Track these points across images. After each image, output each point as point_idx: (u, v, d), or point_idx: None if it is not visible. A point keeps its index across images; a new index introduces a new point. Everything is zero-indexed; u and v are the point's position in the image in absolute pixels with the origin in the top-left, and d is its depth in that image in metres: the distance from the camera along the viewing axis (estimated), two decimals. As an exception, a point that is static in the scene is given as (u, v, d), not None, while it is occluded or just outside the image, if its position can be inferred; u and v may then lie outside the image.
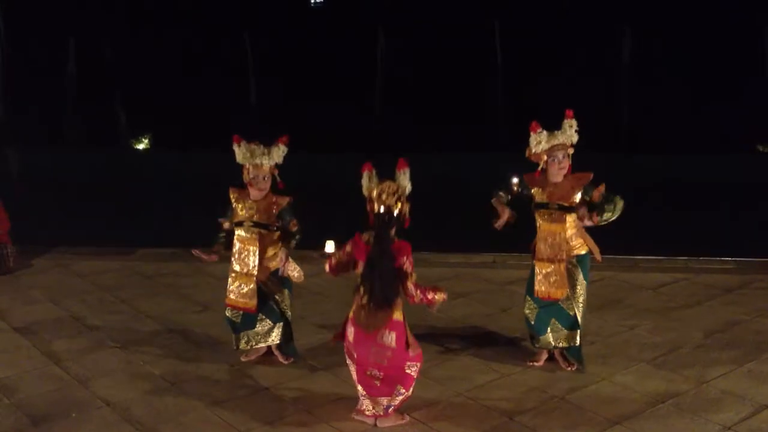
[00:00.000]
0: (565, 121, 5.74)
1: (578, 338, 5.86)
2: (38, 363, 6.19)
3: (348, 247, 5.10)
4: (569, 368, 5.93)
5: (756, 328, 6.64)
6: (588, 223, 5.69)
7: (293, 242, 5.91)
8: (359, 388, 5.19)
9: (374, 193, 4.97)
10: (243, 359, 6.15)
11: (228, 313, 6.03)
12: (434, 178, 9.32)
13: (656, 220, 10.48)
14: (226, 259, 6.06)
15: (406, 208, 5.02)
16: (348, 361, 5.21)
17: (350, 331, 5.08)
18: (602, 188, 5.71)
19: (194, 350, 6.39)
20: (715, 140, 14.11)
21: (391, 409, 5.18)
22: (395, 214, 4.94)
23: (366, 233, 5.04)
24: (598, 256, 5.90)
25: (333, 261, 5.20)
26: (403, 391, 5.14)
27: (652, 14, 18.75)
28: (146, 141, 17.30)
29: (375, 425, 5.20)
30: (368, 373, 5.09)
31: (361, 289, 4.96)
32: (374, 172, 5.05)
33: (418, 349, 5.18)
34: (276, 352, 6.16)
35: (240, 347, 6.10)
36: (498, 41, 18.61)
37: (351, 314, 5.09)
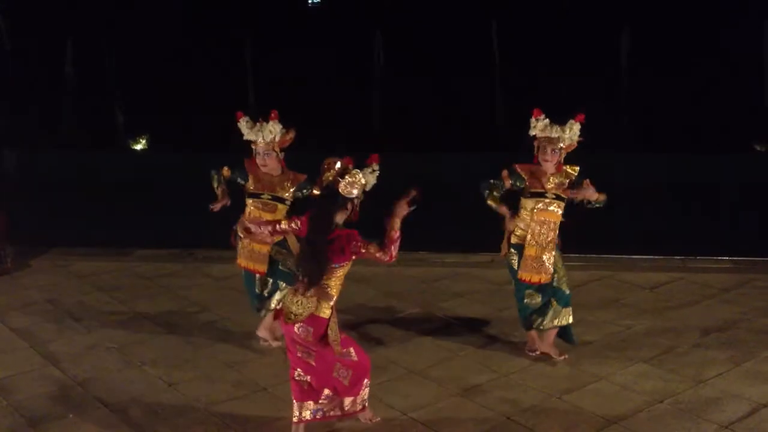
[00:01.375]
0: (571, 121, 5.85)
1: (571, 316, 6.05)
2: (36, 364, 6.19)
3: (295, 221, 4.96)
4: (562, 357, 6.04)
5: (753, 327, 6.64)
6: (590, 196, 5.80)
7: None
8: (293, 391, 5.04)
9: (325, 167, 4.86)
10: (262, 342, 6.36)
11: (243, 275, 6.28)
12: (432, 178, 9.30)
13: (653, 219, 10.49)
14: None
15: (357, 200, 4.85)
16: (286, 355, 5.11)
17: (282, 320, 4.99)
18: (588, 181, 5.88)
19: (192, 351, 6.39)
20: (712, 139, 14.11)
21: (328, 415, 5.05)
22: (340, 197, 4.77)
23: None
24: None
25: (278, 226, 5.05)
26: (336, 397, 5.04)
27: (650, 14, 18.77)
28: (144, 141, 17.30)
29: (369, 420, 5.18)
30: (297, 375, 4.99)
31: (299, 268, 4.93)
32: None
33: (355, 357, 4.99)
34: (263, 334, 6.36)
35: (272, 306, 6.22)
36: (495, 41, 18.63)
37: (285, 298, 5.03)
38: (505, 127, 14.75)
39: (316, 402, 5.03)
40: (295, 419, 5.03)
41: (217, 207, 6.24)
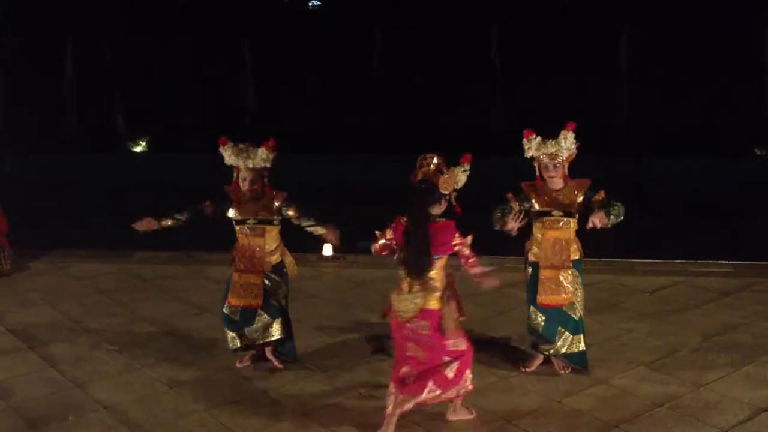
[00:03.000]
0: (563, 132, 5.71)
1: (583, 343, 5.87)
2: (35, 366, 6.18)
3: (389, 230, 5.08)
4: (564, 371, 5.93)
5: (753, 331, 6.64)
6: (599, 225, 5.59)
7: (314, 227, 5.92)
8: (392, 386, 5.06)
9: (424, 163, 4.98)
10: (238, 365, 6.12)
11: (226, 311, 5.98)
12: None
13: (653, 223, 10.49)
14: (224, 262, 6.04)
15: (453, 194, 5.01)
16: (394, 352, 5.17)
17: (391, 316, 5.08)
18: (602, 194, 5.71)
19: (192, 353, 6.39)
20: (713, 143, 14.13)
21: (426, 403, 5.09)
22: (437, 190, 4.90)
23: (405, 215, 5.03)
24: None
25: (377, 245, 5.17)
26: (437, 390, 5.05)
27: (649, 16, 18.78)
28: (144, 144, 17.31)
29: (445, 419, 5.20)
30: (404, 369, 5.02)
31: (402, 264, 4.97)
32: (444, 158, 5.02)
33: (462, 345, 5.09)
34: (270, 357, 6.12)
35: (238, 346, 6.03)
36: (495, 43, 18.64)
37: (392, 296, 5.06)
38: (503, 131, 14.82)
39: (419, 394, 5.05)
40: (388, 411, 5.03)
41: (142, 227, 6.04)
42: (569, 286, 5.74)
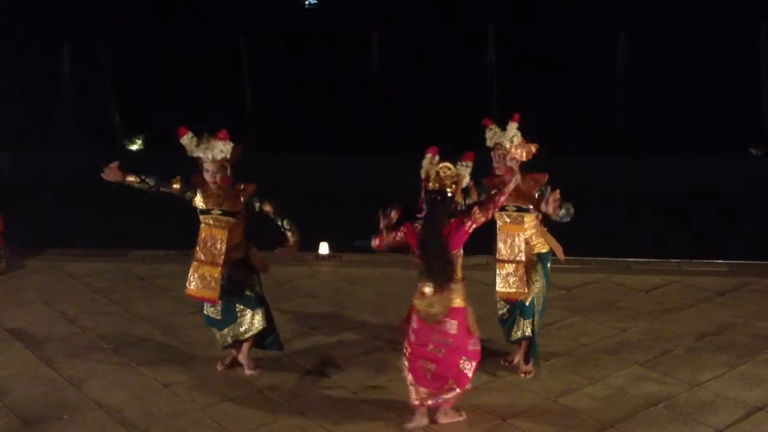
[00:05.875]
0: (510, 123, 5.73)
1: (530, 329, 5.84)
2: (30, 365, 6.17)
3: (399, 234, 5.14)
4: (523, 375, 5.88)
5: (748, 330, 6.64)
6: (547, 209, 5.58)
7: (290, 231, 5.86)
8: (410, 377, 5.13)
9: (432, 172, 5.00)
10: (219, 368, 6.07)
11: (206, 311, 5.93)
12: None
13: (649, 222, 10.50)
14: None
15: (460, 197, 5.08)
16: (404, 345, 5.19)
17: (414, 319, 5.13)
18: (557, 194, 5.64)
19: (187, 352, 6.39)
20: (708, 143, 14.15)
21: (440, 401, 5.14)
22: (448, 196, 4.97)
23: (416, 222, 5.07)
24: (560, 255, 5.94)
25: (379, 241, 5.24)
26: (456, 387, 5.12)
27: (647, 17, 18.81)
28: (140, 142, 17.28)
29: (433, 421, 5.22)
30: (420, 362, 5.08)
31: (421, 273, 5.02)
32: (437, 157, 5.04)
33: (477, 345, 5.20)
34: (244, 360, 6.00)
35: (229, 343, 5.97)
36: (492, 44, 18.66)
37: (414, 303, 5.10)
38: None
39: (439, 390, 5.10)
40: (416, 402, 5.12)
41: (109, 176, 5.93)
42: (523, 282, 5.74)
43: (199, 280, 5.76)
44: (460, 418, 5.29)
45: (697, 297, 7.40)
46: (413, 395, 5.16)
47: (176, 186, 5.84)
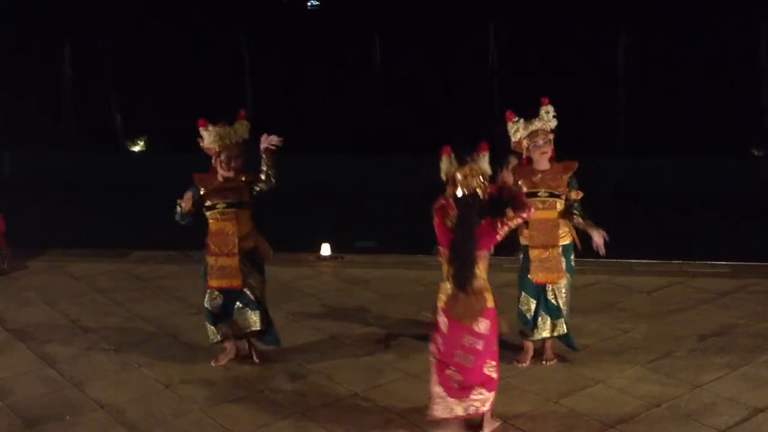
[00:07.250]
0: (542, 107, 5.85)
1: (565, 326, 6.00)
2: (32, 365, 6.18)
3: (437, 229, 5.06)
4: (546, 362, 6.03)
5: (750, 331, 6.63)
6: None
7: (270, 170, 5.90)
8: (438, 389, 5.03)
9: (458, 176, 4.92)
10: (213, 365, 6.10)
11: (207, 304, 6.00)
12: (433, 180, 9.33)
13: (651, 223, 10.50)
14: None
15: (486, 192, 4.98)
16: (431, 358, 5.10)
17: (443, 322, 5.00)
18: (580, 194, 5.84)
19: (189, 353, 6.38)
20: (709, 144, 14.14)
21: (472, 411, 5.04)
22: (479, 196, 4.91)
23: (448, 219, 4.99)
24: (578, 244, 6.02)
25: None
26: (485, 391, 5.04)
27: (647, 17, 18.79)
28: (142, 143, 17.30)
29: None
30: (449, 372, 4.99)
31: (450, 275, 4.97)
32: (453, 155, 4.98)
33: (496, 348, 5.14)
34: (254, 351, 6.15)
35: (219, 339, 6.06)
36: (493, 44, 18.66)
37: (442, 305, 5.02)
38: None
39: (467, 398, 5.02)
40: (446, 415, 5.01)
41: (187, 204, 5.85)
42: (559, 264, 5.87)
43: (219, 272, 5.91)
44: (497, 424, 5.21)
45: (699, 298, 7.40)
46: (440, 409, 5.01)
47: (185, 206, 5.84)
